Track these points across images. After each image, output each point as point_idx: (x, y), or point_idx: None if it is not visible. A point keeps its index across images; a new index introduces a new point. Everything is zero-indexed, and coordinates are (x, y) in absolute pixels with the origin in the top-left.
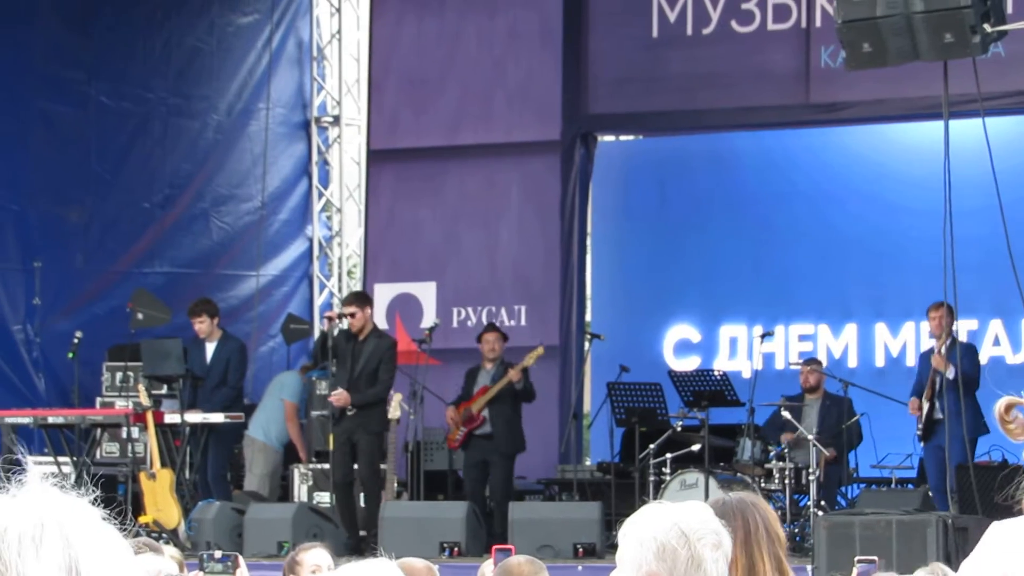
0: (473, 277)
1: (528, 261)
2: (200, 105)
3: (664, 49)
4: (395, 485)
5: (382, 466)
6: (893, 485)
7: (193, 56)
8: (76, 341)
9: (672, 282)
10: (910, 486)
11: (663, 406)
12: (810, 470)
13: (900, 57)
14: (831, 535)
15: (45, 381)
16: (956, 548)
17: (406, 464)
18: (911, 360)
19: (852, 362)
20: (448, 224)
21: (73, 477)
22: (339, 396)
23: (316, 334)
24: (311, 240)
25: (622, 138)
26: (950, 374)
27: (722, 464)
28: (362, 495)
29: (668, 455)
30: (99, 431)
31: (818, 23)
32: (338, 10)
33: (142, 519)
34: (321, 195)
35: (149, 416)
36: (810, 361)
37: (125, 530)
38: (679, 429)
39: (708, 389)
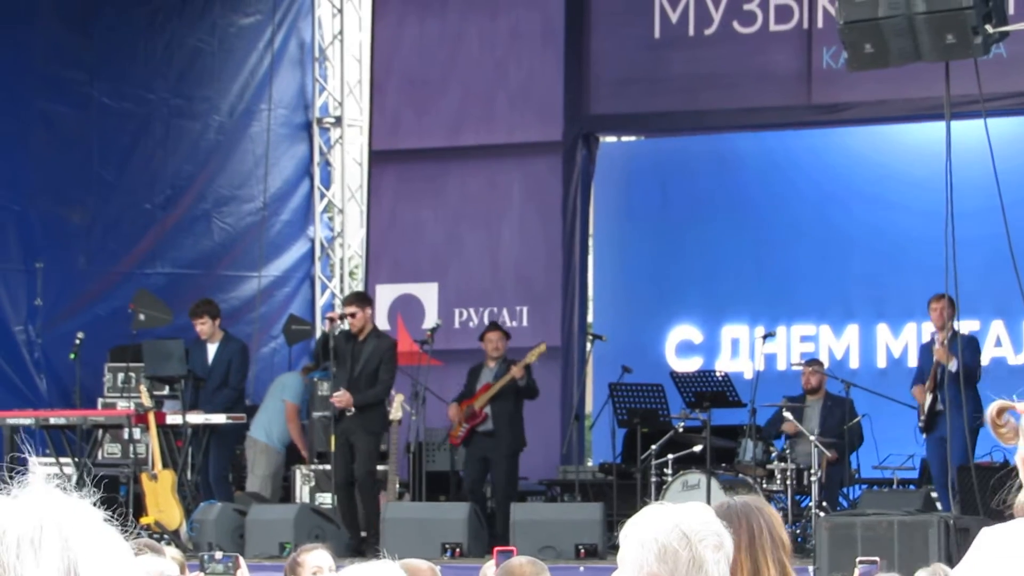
0: (475, 278)
1: (530, 262)
2: (202, 106)
3: (666, 50)
4: (397, 486)
5: (381, 467)
6: (895, 486)
7: (195, 57)
8: (78, 342)
9: (674, 283)
10: (912, 487)
11: (665, 407)
12: (812, 471)
13: (902, 58)
14: (833, 536)
15: (47, 382)
16: (957, 549)
17: (408, 465)
18: (912, 361)
19: (854, 363)
20: (450, 225)
21: (75, 478)
22: (341, 397)
23: (318, 335)
24: (313, 241)
25: (624, 139)
26: (952, 366)
27: (724, 465)
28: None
29: (670, 456)
30: (101, 432)
31: (820, 24)
32: (340, 11)
33: (144, 520)
34: (323, 196)
35: (151, 417)
36: (811, 362)
37: (126, 531)
38: (681, 430)
39: (710, 390)
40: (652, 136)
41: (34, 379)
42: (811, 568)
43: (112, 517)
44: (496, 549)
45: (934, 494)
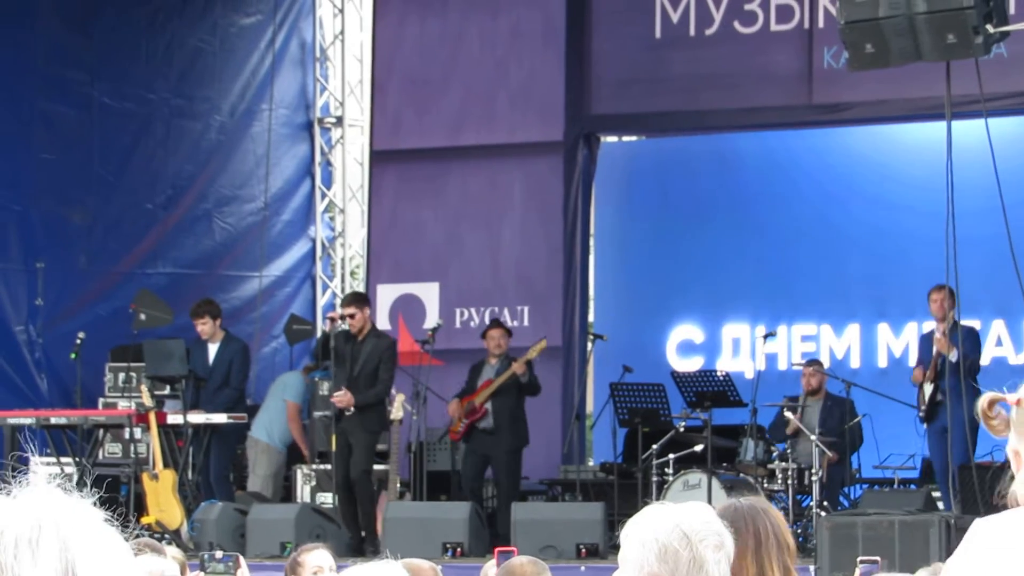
0: (476, 278)
1: (531, 262)
2: (203, 106)
3: (667, 50)
4: (398, 485)
5: (382, 467)
6: (895, 485)
7: (196, 57)
8: (79, 342)
9: (675, 282)
10: (912, 486)
11: (666, 407)
12: (813, 471)
13: (902, 58)
14: (834, 535)
15: (48, 382)
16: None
17: (409, 464)
18: (913, 361)
19: (855, 362)
20: (451, 225)
21: (75, 478)
22: (342, 397)
23: (319, 335)
24: (314, 241)
25: (625, 139)
26: (953, 356)
27: (725, 464)
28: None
29: (671, 455)
30: (101, 432)
31: (821, 24)
32: (341, 11)
33: (145, 520)
34: (324, 196)
35: (152, 417)
36: (811, 363)
37: (126, 532)
38: (682, 430)
39: (711, 390)
40: (653, 136)
41: (35, 379)
42: (812, 568)
43: (112, 517)
44: (497, 550)
45: (935, 493)
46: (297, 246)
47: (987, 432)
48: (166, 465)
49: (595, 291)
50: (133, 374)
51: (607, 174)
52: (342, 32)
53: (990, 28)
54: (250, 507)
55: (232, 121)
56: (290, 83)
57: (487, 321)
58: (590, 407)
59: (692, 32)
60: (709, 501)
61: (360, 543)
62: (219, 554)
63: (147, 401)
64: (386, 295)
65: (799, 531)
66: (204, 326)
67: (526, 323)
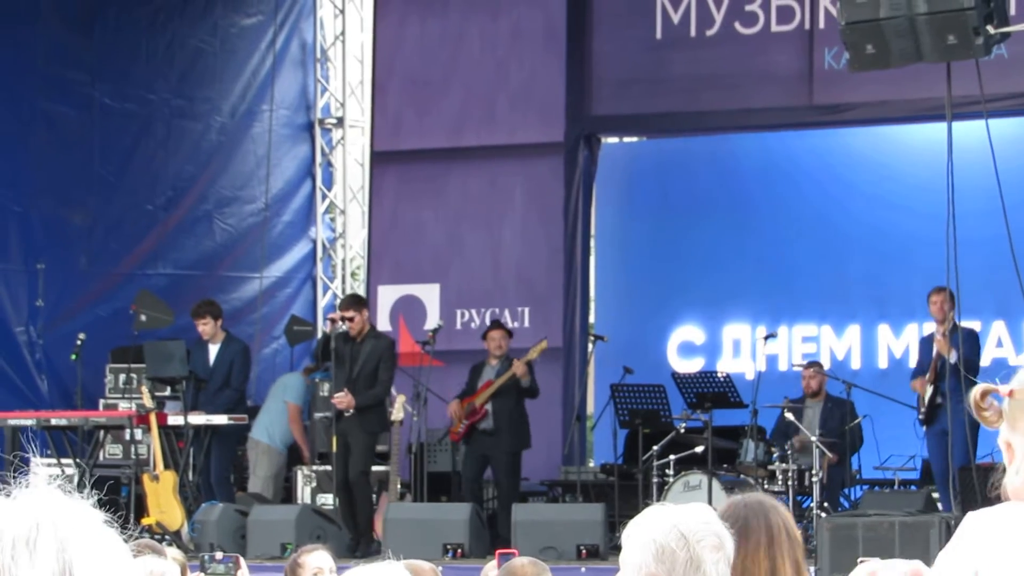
0: (476, 279)
1: (531, 263)
2: (203, 107)
3: (667, 51)
4: (399, 486)
5: (383, 468)
6: (896, 487)
7: (196, 57)
8: (79, 343)
9: (675, 283)
10: (913, 487)
11: (666, 408)
12: (813, 472)
13: (903, 59)
14: (834, 536)
15: (48, 383)
16: None
17: (409, 466)
18: (914, 362)
19: (855, 363)
20: (451, 226)
21: (76, 479)
22: (342, 398)
23: (319, 336)
24: (315, 242)
25: (625, 140)
26: (952, 358)
27: (725, 466)
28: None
29: (671, 457)
30: (102, 433)
31: (821, 25)
32: (342, 11)
33: (145, 521)
34: (325, 197)
35: (152, 418)
36: (812, 364)
37: (127, 532)
38: (682, 431)
39: (711, 391)
40: (654, 137)
41: (35, 380)
42: (812, 569)
43: (112, 518)
44: (498, 552)
45: (935, 494)
46: (298, 247)
47: (987, 434)
48: (167, 466)
49: (596, 292)
50: (134, 375)
51: (608, 175)
52: (343, 33)
53: (991, 29)
54: (251, 508)
55: (233, 122)
56: (291, 84)
57: (488, 322)
58: (591, 408)
59: (693, 33)
60: (710, 502)
61: (359, 544)
62: (219, 555)
63: (148, 402)
64: (387, 296)
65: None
66: (205, 326)
67: (527, 324)
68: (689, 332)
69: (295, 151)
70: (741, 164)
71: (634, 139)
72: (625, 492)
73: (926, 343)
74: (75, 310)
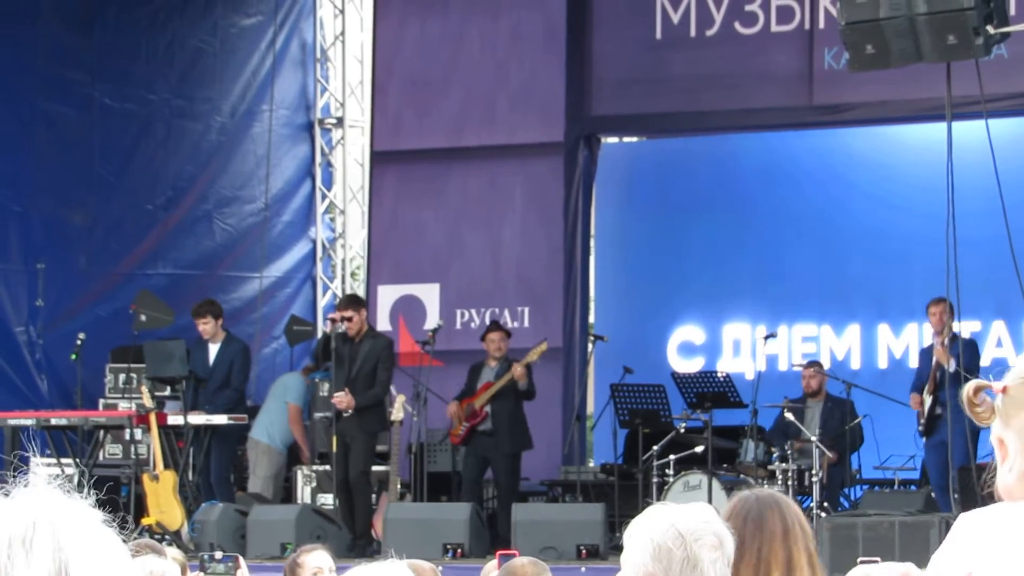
0: (476, 279)
1: (531, 263)
2: (203, 107)
3: (667, 51)
4: (399, 486)
5: (383, 468)
6: (896, 487)
7: (196, 57)
8: (79, 343)
9: (675, 283)
10: (913, 487)
11: (666, 407)
12: (813, 472)
13: (903, 59)
14: (834, 536)
15: (48, 383)
16: None
17: (409, 466)
18: (914, 362)
19: (855, 363)
20: (451, 226)
21: (76, 479)
22: (342, 398)
23: (319, 336)
24: (314, 242)
25: (625, 140)
26: (951, 367)
27: (725, 465)
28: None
29: (671, 456)
30: (102, 433)
31: (821, 25)
32: (342, 11)
33: (145, 521)
34: (324, 197)
35: (152, 418)
36: (811, 364)
37: (126, 532)
38: (682, 431)
39: (711, 391)
40: (653, 137)
41: (35, 380)
42: None
43: (111, 518)
44: (499, 553)
45: (934, 495)
46: (297, 247)
47: (987, 442)
48: (167, 466)
49: (596, 292)
50: (133, 375)
51: (608, 175)
52: (343, 33)
53: (990, 29)
54: (250, 508)
55: (233, 122)
56: (291, 84)
57: (487, 322)
58: (591, 408)
59: (693, 33)
60: (710, 502)
61: (361, 544)
62: (219, 555)
63: (147, 402)
64: (387, 296)
65: None
66: (206, 326)
67: (527, 324)
68: (689, 332)
69: (295, 151)
70: (741, 164)
71: (634, 139)
72: (625, 492)
73: (926, 354)
74: (75, 310)
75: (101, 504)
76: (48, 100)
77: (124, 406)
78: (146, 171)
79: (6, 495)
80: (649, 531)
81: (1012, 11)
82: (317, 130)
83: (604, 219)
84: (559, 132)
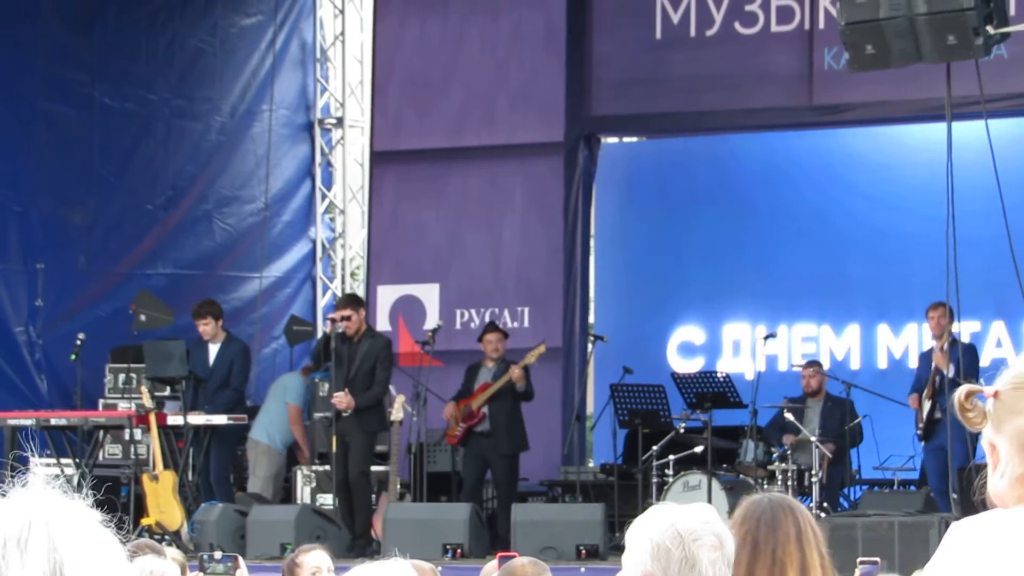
0: (476, 279)
1: (531, 263)
2: (203, 107)
3: (667, 51)
4: (398, 487)
5: (382, 468)
6: (895, 487)
7: (196, 57)
8: (79, 343)
9: (675, 283)
10: (912, 488)
11: (666, 408)
12: (812, 472)
13: (903, 59)
14: (833, 536)
15: (47, 383)
16: None
17: (409, 466)
18: (913, 362)
19: (855, 363)
20: (451, 226)
21: (75, 479)
22: (342, 398)
23: (319, 336)
24: (314, 242)
25: (625, 140)
26: (950, 372)
27: (725, 466)
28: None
29: (671, 457)
30: (102, 433)
31: (821, 25)
32: (341, 11)
33: (145, 521)
34: (324, 197)
35: (152, 418)
36: (811, 364)
37: (124, 532)
38: (682, 431)
39: (711, 391)
40: (653, 137)
41: (35, 380)
42: None
43: (109, 518)
44: (499, 555)
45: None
46: (297, 247)
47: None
48: (166, 466)
49: (595, 292)
50: (133, 375)
51: (607, 175)
52: (343, 33)
53: (990, 29)
54: (250, 508)
55: (232, 122)
56: (290, 84)
57: (487, 322)
58: (590, 408)
59: (692, 33)
60: (709, 502)
61: (361, 544)
62: (218, 554)
63: (147, 402)
64: (386, 296)
65: None
66: (206, 327)
67: (526, 324)
68: (689, 332)
69: (295, 151)
70: (741, 164)
71: (634, 139)
72: (625, 492)
73: (925, 358)
74: (75, 310)
75: (100, 504)
76: (48, 100)
77: (124, 406)
78: (146, 171)
79: (3, 495)
80: (648, 531)
81: (1012, 11)
82: (317, 130)
83: (604, 219)
84: (559, 132)
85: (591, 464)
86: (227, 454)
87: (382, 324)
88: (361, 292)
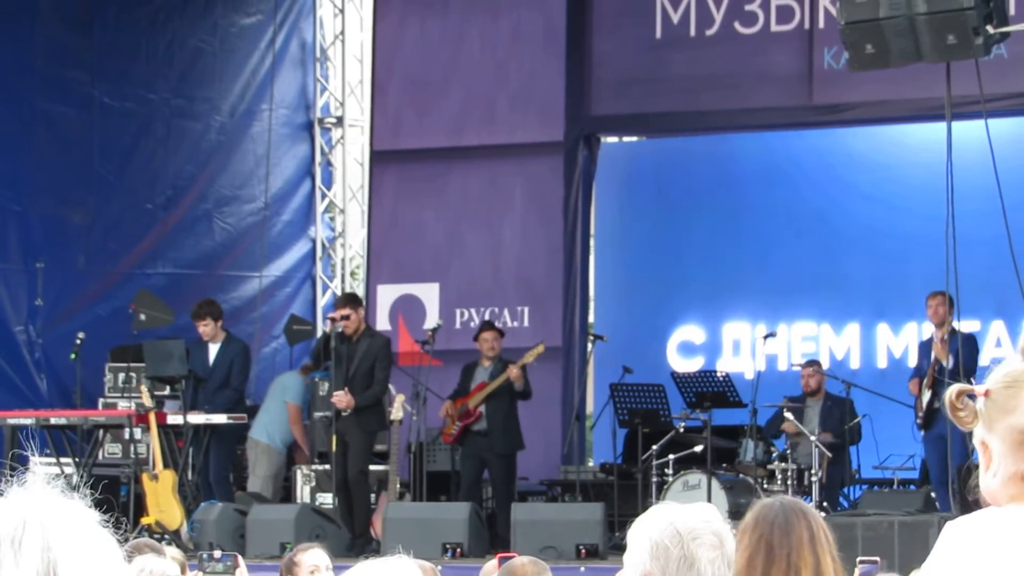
0: (476, 278)
1: (531, 262)
2: (203, 106)
3: (667, 50)
4: (398, 486)
5: (382, 467)
6: (895, 486)
7: (196, 57)
8: (78, 342)
9: (675, 283)
10: (912, 487)
11: (666, 407)
12: (812, 471)
13: (903, 58)
14: (833, 536)
15: (47, 382)
16: None
17: (408, 465)
18: (913, 362)
19: (854, 363)
20: (451, 225)
21: (75, 478)
22: (342, 398)
23: (319, 335)
24: (314, 241)
25: (625, 139)
26: (949, 362)
27: (724, 465)
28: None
29: (671, 456)
30: (101, 432)
31: (821, 24)
32: (341, 11)
33: (144, 520)
34: (324, 196)
35: (151, 417)
36: (811, 363)
37: (122, 532)
38: (682, 430)
39: (710, 390)
40: (653, 137)
41: (35, 379)
42: None
43: (107, 518)
44: (499, 555)
45: (933, 494)
46: (297, 246)
47: None
48: (166, 465)
49: (595, 292)
50: (133, 374)
51: (607, 175)
52: (342, 32)
53: (990, 29)
54: (250, 508)
55: (232, 121)
56: (290, 83)
57: (484, 320)
58: (590, 408)
59: (692, 33)
60: (709, 501)
61: (361, 543)
62: (218, 554)
63: (147, 401)
64: (386, 295)
65: None
66: (205, 327)
67: (526, 324)
68: (689, 331)
69: (295, 150)
70: (741, 164)
71: (634, 139)
72: (624, 492)
73: (925, 347)
74: (74, 309)
75: (99, 504)
76: (48, 100)
77: (123, 405)
78: (146, 170)
79: (1, 494)
80: (648, 530)
81: (1012, 11)
82: (317, 129)
83: (604, 219)
84: (559, 132)
85: (591, 464)
86: (227, 453)
87: (382, 323)
88: (361, 291)
